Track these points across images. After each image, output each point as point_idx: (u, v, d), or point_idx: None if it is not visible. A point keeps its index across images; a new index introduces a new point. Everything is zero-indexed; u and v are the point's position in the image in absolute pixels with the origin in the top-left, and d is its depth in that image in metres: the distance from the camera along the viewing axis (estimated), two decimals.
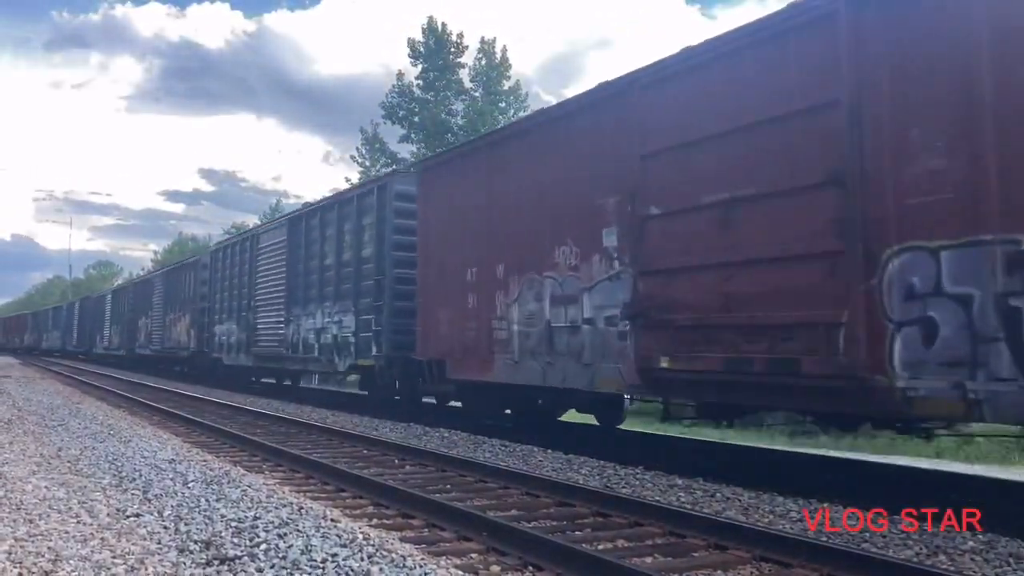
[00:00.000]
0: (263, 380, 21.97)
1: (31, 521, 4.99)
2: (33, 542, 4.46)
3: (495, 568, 4.52)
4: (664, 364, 7.29)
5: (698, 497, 6.53)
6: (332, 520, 5.14)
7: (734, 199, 6.74)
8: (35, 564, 4.03)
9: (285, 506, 5.52)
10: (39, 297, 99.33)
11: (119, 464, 7.34)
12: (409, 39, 29.99)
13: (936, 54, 5.45)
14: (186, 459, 7.70)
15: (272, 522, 4.98)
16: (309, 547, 4.38)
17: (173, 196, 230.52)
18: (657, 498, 6.40)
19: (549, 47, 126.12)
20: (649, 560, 4.75)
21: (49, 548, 4.34)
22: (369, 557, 4.21)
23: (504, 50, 29.72)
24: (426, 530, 5.46)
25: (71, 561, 4.10)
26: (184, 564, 4.11)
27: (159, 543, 4.54)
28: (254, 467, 8.05)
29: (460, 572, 4.21)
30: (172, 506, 5.51)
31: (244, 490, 6.12)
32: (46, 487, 6.15)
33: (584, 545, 4.85)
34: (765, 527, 5.25)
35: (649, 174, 7.64)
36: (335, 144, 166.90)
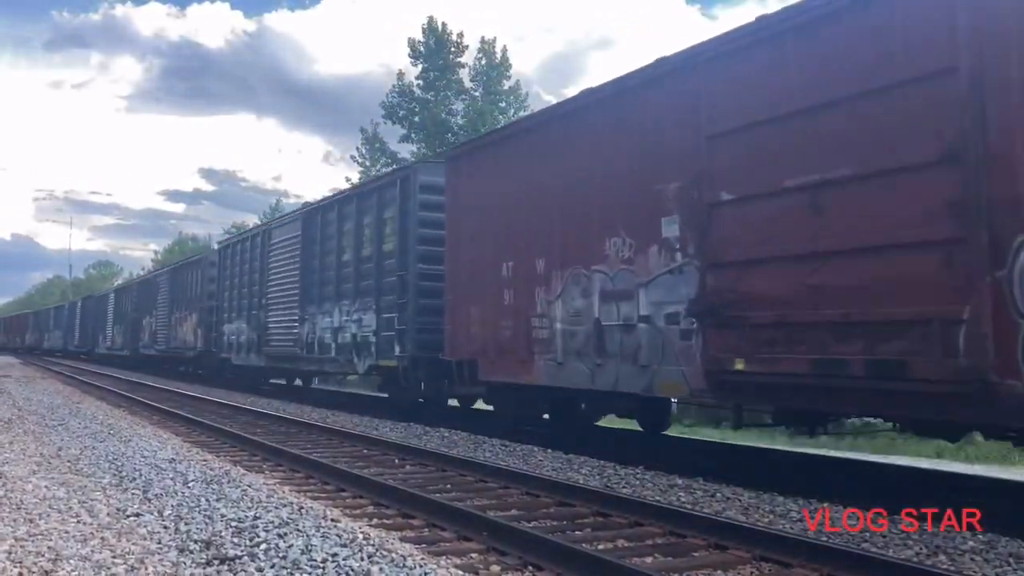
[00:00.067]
0: (272, 381, 21.49)
1: (31, 521, 4.99)
2: (33, 542, 4.47)
3: (495, 568, 4.52)
4: (738, 366, 6.57)
5: (698, 497, 6.53)
6: (332, 520, 5.14)
7: (824, 181, 6.00)
8: (35, 564, 4.03)
9: (285, 506, 5.53)
10: (39, 297, 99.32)
11: (119, 464, 7.34)
12: (409, 39, 30.01)
13: None
14: (186, 459, 7.70)
15: (272, 522, 4.99)
16: (309, 547, 4.38)
17: (173, 196, 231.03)
18: (657, 498, 6.40)
19: (549, 47, 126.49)
20: (649, 560, 4.76)
21: (49, 548, 4.34)
22: (369, 557, 4.21)
23: (504, 50, 29.72)
24: (426, 530, 5.46)
25: (71, 561, 4.11)
26: (184, 564, 4.11)
27: (159, 543, 4.54)
28: (254, 467, 8.05)
29: (460, 572, 4.21)
30: (172, 506, 5.51)
31: (244, 490, 6.12)
32: (46, 487, 6.15)
33: (584, 545, 4.86)
34: (765, 527, 5.26)
35: (717, 156, 6.91)
36: (335, 144, 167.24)
